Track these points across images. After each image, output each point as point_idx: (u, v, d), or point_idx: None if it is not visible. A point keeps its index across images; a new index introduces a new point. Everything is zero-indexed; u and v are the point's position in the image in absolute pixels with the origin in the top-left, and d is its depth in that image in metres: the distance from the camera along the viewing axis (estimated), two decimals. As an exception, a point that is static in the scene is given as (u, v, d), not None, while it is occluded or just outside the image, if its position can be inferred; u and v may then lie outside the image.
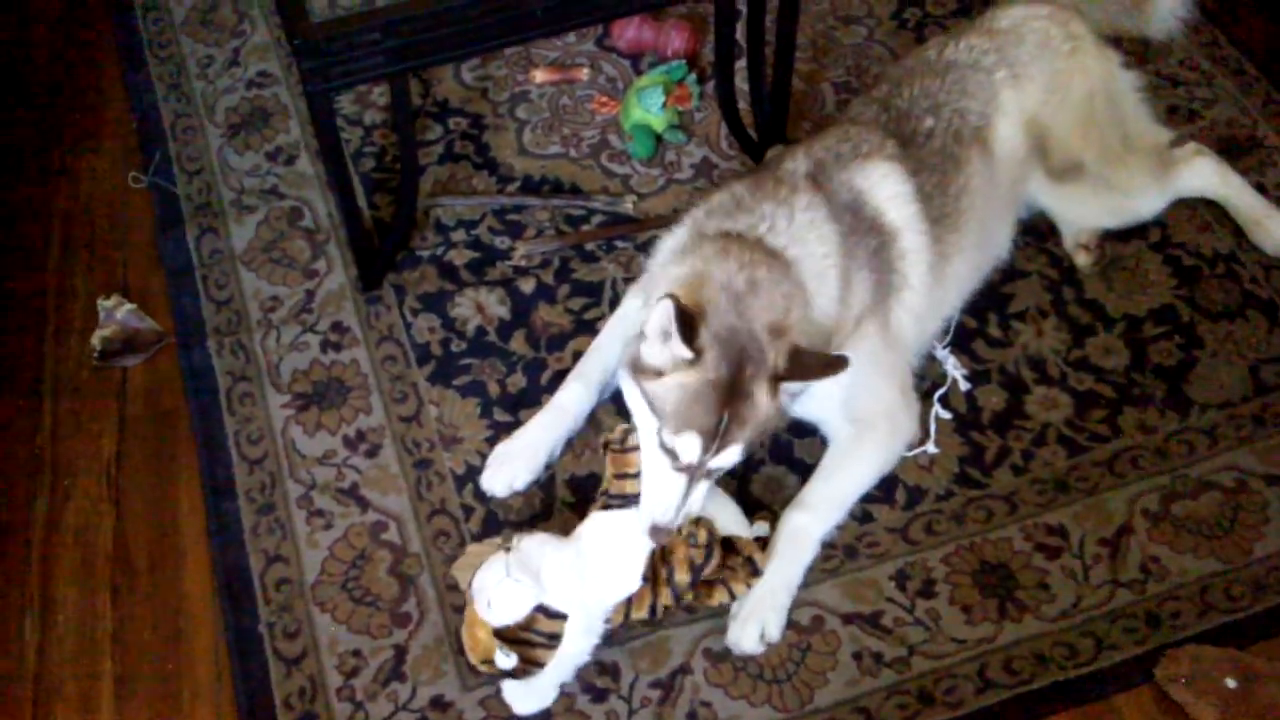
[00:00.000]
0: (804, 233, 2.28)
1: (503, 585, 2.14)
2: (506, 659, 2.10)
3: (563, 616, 2.15)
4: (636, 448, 2.23)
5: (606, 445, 2.31)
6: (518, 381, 2.60)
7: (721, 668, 2.22)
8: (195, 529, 2.42)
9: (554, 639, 2.14)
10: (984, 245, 2.62)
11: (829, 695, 2.19)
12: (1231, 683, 2.15)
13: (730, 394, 2.09)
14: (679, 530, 2.18)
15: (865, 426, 2.39)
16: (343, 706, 2.19)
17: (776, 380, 2.11)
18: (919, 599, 2.30)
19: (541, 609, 2.14)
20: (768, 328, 2.12)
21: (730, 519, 2.29)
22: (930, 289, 2.48)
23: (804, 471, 2.43)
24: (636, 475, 2.22)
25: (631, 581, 2.17)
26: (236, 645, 2.26)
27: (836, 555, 2.35)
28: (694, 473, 2.13)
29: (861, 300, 2.35)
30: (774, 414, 2.15)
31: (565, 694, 2.19)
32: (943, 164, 2.50)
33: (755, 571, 2.25)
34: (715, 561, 2.20)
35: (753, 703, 2.19)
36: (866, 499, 2.41)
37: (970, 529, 2.38)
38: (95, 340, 2.67)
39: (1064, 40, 2.66)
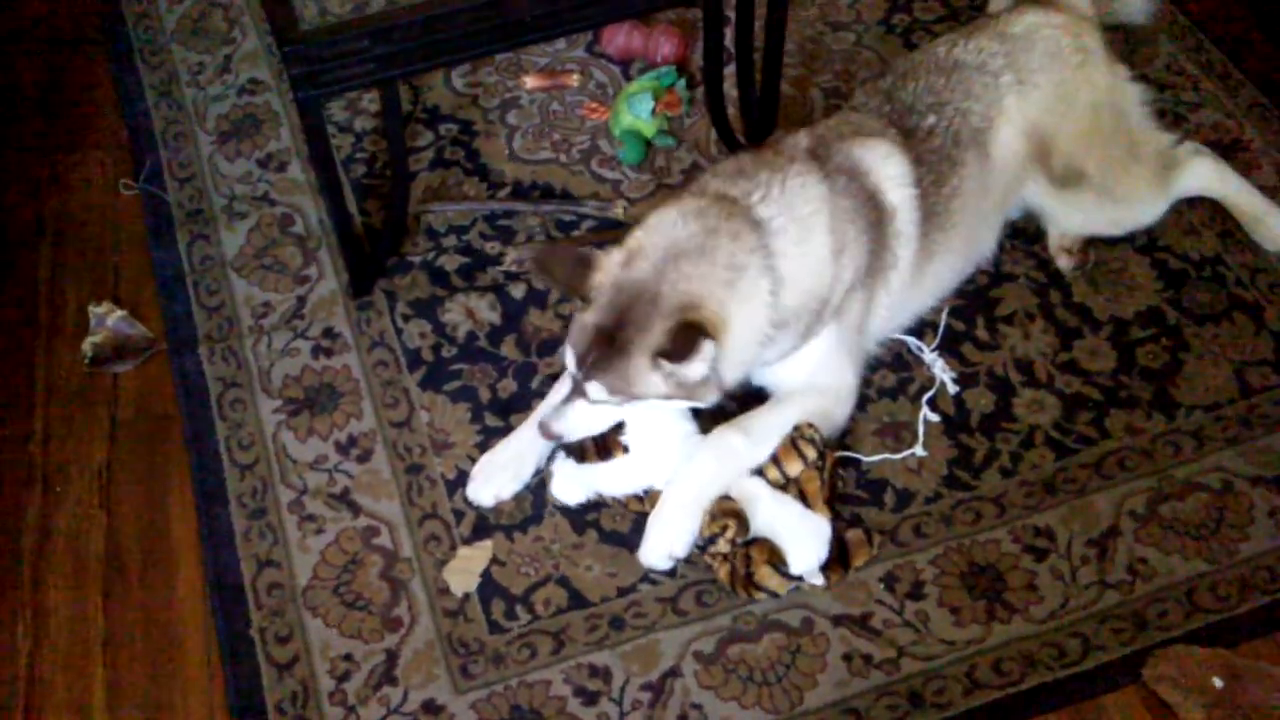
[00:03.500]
0: (793, 198, 2.32)
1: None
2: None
3: (624, 448, 2.35)
4: (811, 440, 2.35)
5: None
6: (509, 386, 2.61)
7: (712, 670, 2.23)
8: (187, 534, 2.43)
9: (605, 452, 2.35)
10: (968, 250, 2.65)
11: (819, 697, 2.20)
12: (1218, 682, 2.16)
13: (604, 340, 2.18)
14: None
15: (814, 392, 2.42)
16: (334, 711, 2.20)
17: (657, 355, 2.14)
18: (908, 601, 2.31)
19: (617, 424, 2.33)
20: (679, 299, 2.15)
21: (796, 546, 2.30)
22: (911, 279, 2.52)
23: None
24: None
25: (645, 472, 2.34)
26: (228, 650, 2.27)
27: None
28: (576, 385, 2.25)
29: (856, 266, 2.38)
30: (653, 384, 2.18)
31: (556, 697, 2.20)
32: (939, 163, 2.52)
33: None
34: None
35: (743, 705, 2.19)
36: (855, 501, 2.43)
37: (959, 531, 2.39)
38: (86, 346, 2.68)
39: (1074, 52, 2.66)
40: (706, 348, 2.12)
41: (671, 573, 2.34)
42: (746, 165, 2.38)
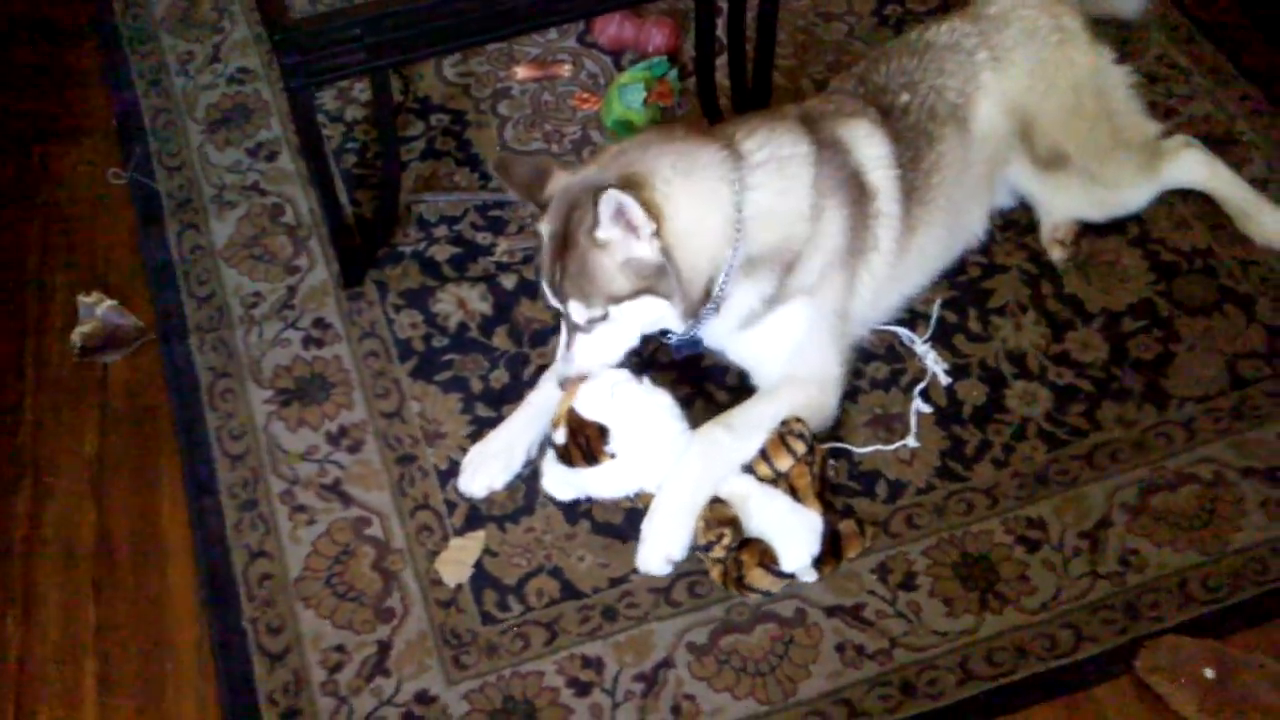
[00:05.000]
0: (779, 140, 2.36)
1: (601, 382, 2.31)
2: (558, 435, 2.31)
3: (610, 454, 2.28)
4: (800, 435, 2.33)
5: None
6: (500, 377, 2.60)
7: (705, 661, 2.23)
8: (178, 525, 2.42)
9: (591, 459, 2.28)
10: (953, 225, 2.65)
11: (812, 687, 2.20)
12: (1210, 673, 2.16)
13: (562, 245, 2.21)
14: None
15: (798, 381, 2.42)
16: (326, 701, 2.19)
17: (593, 229, 2.16)
18: (900, 591, 2.31)
19: (601, 430, 2.27)
20: (619, 178, 2.17)
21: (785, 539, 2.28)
22: (895, 260, 2.52)
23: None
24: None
25: (633, 477, 2.32)
26: (220, 641, 2.26)
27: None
28: (568, 323, 2.29)
29: (834, 240, 2.40)
30: (607, 271, 2.20)
31: (549, 688, 2.20)
32: (917, 139, 2.54)
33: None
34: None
35: (736, 695, 2.19)
36: (847, 492, 2.43)
37: (951, 522, 2.40)
38: (76, 337, 2.66)
39: (1052, 31, 2.68)
40: (628, 205, 2.11)
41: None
42: (739, 119, 2.45)
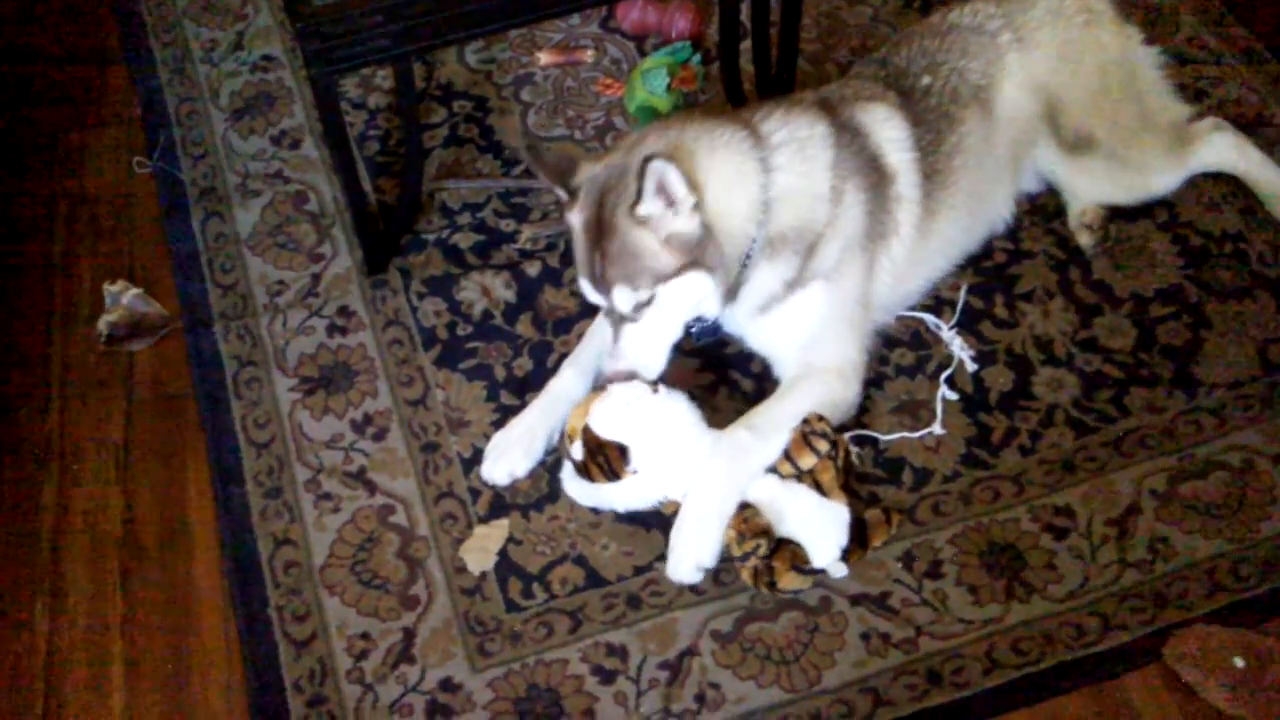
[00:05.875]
0: (797, 122, 2.36)
1: (616, 400, 2.27)
2: (575, 451, 2.28)
3: (632, 471, 2.26)
4: (823, 434, 2.30)
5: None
6: (524, 365, 2.60)
7: (729, 649, 2.22)
8: (203, 513, 2.43)
9: (613, 475, 2.26)
10: (975, 208, 2.63)
11: (837, 676, 2.19)
12: (1240, 662, 2.15)
13: (596, 232, 2.20)
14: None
15: (817, 372, 2.40)
16: (352, 689, 2.20)
17: (633, 206, 2.16)
18: (926, 580, 2.29)
19: (621, 449, 2.24)
20: (647, 156, 2.15)
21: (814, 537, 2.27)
22: (915, 244, 2.51)
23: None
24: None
25: (656, 488, 2.29)
26: (246, 628, 2.27)
27: (844, 536, 2.35)
28: (612, 317, 2.29)
29: (854, 223, 2.39)
30: (651, 248, 2.19)
31: (573, 676, 2.19)
32: (937, 121, 2.53)
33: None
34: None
35: (760, 683, 2.19)
36: (873, 480, 2.41)
37: (977, 510, 2.38)
38: (101, 325, 2.67)
39: (1079, 11, 2.66)
40: (671, 175, 2.11)
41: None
42: (755, 105, 2.46)
